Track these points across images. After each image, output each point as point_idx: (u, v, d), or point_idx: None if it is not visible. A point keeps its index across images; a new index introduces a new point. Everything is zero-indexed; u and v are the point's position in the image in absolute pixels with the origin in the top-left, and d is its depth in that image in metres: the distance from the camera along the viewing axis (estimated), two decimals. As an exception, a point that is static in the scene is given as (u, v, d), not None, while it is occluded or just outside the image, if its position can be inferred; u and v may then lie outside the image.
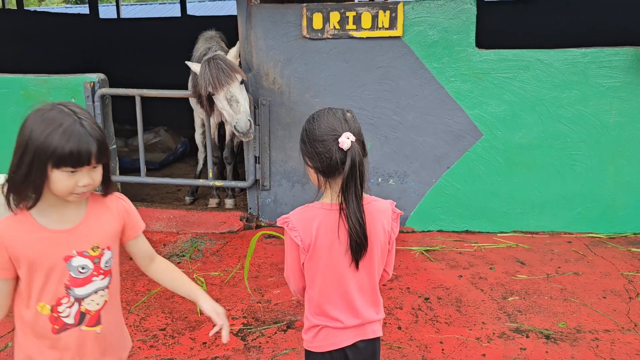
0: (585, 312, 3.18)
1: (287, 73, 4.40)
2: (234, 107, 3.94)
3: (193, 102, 5.12)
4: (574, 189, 4.24)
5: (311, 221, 1.65)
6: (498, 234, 4.38)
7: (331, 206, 1.65)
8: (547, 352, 2.80)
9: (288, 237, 1.70)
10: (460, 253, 4.07)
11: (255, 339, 3.03)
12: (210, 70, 3.91)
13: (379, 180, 4.48)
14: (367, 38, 4.19)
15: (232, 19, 4.88)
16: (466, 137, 4.28)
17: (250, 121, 3.99)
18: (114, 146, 4.88)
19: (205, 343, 3.00)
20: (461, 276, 3.69)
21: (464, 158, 4.32)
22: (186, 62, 4.28)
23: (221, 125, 4.96)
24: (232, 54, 4.10)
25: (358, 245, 1.60)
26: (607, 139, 4.12)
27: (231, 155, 4.94)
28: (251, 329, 3.13)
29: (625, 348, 2.81)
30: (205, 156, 5.60)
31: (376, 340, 1.76)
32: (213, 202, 5.02)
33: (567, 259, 3.89)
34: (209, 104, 4.21)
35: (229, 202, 4.95)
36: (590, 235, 4.27)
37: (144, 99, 4.69)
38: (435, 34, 4.11)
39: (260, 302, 3.44)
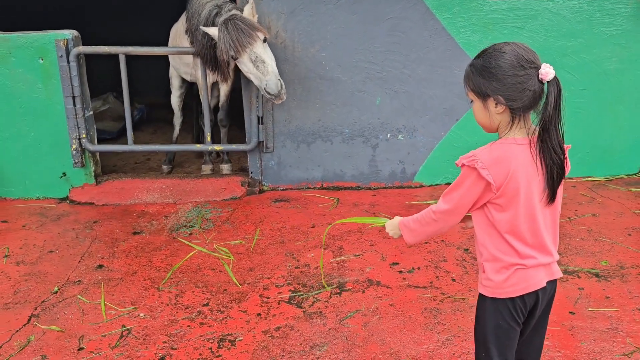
0: (619, 250, 3.32)
1: (290, 26, 4.13)
2: (261, 68, 3.64)
3: (177, 61, 4.72)
4: (576, 135, 4.37)
5: (506, 159, 1.57)
6: (504, 184, 4.45)
7: (525, 140, 1.56)
8: (603, 289, 2.91)
9: (472, 174, 1.60)
10: (477, 204, 4.10)
11: (311, 305, 2.88)
12: (230, 33, 3.56)
13: (388, 136, 4.38)
14: (378, -13, 4.01)
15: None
16: (475, 88, 4.26)
17: (280, 81, 3.70)
18: (91, 112, 4.40)
19: (259, 314, 2.82)
20: (488, 226, 3.73)
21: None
22: (201, 27, 3.81)
23: (214, 86, 4.61)
24: (247, 12, 3.75)
25: (558, 178, 1.59)
26: (607, 85, 4.27)
27: (226, 118, 4.63)
28: (302, 295, 2.98)
29: (671, 279, 2.97)
30: (182, 121, 5.25)
31: (556, 281, 1.71)
32: (207, 168, 4.71)
33: (580, 202, 4.04)
34: (228, 68, 3.89)
35: (225, 168, 4.67)
36: (590, 179, 4.46)
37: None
38: (447, -18, 4.01)
39: (299, 267, 3.28)
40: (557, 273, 1.71)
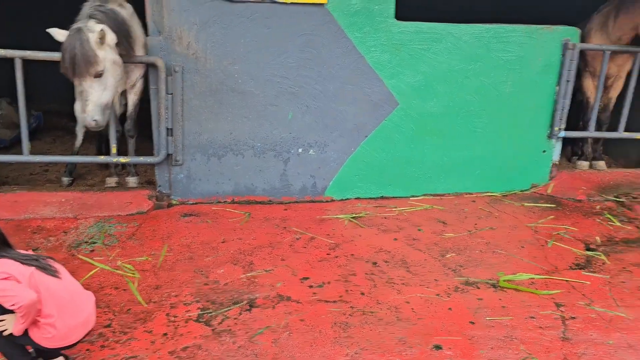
0: (514, 261, 3.56)
1: (203, 37, 4.05)
2: (82, 103, 3.56)
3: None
4: (475, 153, 4.66)
5: None
6: (411, 198, 4.64)
7: None
8: (500, 299, 3.09)
9: None
10: (385, 218, 4.23)
11: (221, 323, 2.81)
12: (67, 53, 3.42)
13: (300, 150, 4.41)
14: (291, 4, 4.04)
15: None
16: (384, 106, 4.41)
17: (96, 121, 3.56)
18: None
19: (166, 334, 2.71)
20: (396, 239, 3.85)
21: (381, 127, 4.46)
22: (49, 29, 3.57)
23: (122, 95, 4.40)
24: (93, 39, 3.47)
25: None
26: (503, 107, 4.58)
27: (134, 128, 4.42)
28: (211, 313, 2.90)
29: (558, 286, 3.22)
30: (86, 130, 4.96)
31: None
32: (112, 181, 4.46)
33: (479, 216, 4.29)
34: None
35: (132, 181, 4.45)
36: (488, 194, 4.76)
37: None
38: (357, 3, 4.13)
39: (208, 284, 3.19)
40: None
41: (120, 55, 3.71)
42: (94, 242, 3.66)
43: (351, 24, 4.18)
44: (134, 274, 3.26)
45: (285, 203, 4.47)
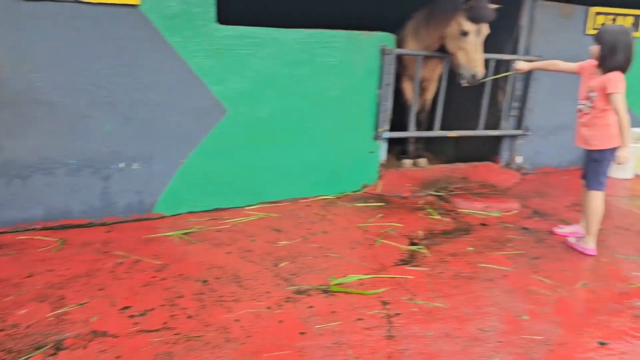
0: (344, 264, 3.61)
1: (-9, 41, 3.50)
2: None
3: None
4: (307, 157, 4.69)
5: None
6: (246, 208, 4.53)
7: None
8: (330, 304, 3.09)
9: None
10: (218, 231, 4.06)
11: (18, 375, 2.41)
12: None
13: (121, 165, 4.04)
14: (99, 4, 3.67)
15: None
16: (212, 114, 4.23)
17: None
18: None
19: (-58, 400, 2.25)
20: (229, 252, 3.70)
21: (211, 135, 4.27)
22: None
23: None
24: None
25: None
26: (330, 111, 4.67)
27: None
28: (7, 364, 2.48)
29: (384, 284, 3.32)
30: None
31: None
32: None
33: (313, 221, 4.32)
34: None
35: None
36: (322, 197, 4.83)
37: None
38: (175, 5, 3.88)
39: (5, 329, 2.74)
40: None
41: None
42: None
43: (169, 27, 3.93)
44: None
45: (109, 224, 4.07)
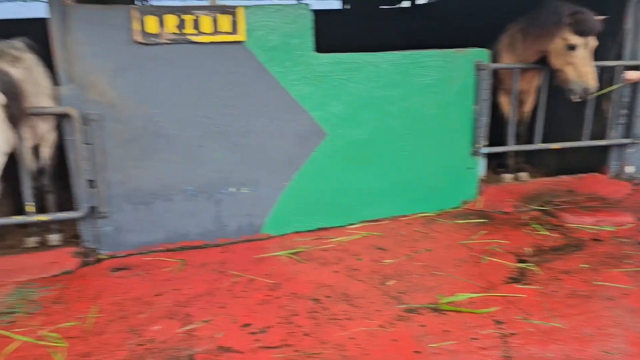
0: (451, 282, 3.60)
1: (119, 83, 3.91)
2: None
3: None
4: (405, 176, 4.74)
5: None
6: (348, 227, 4.64)
7: None
8: (442, 323, 3.11)
9: None
10: (324, 250, 4.20)
11: (159, 386, 2.65)
12: None
13: (232, 190, 4.32)
14: (209, 43, 3.99)
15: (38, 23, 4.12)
16: (312, 138, 4.42)
17: None
18: None
19: (99, 407, 2.52)
20: (336, 272, 3.82)
21: (312, 158, 4.45)
22: None
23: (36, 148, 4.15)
24: (28, 64, 3.34)
25: None
26: (426, 129, 4.71)
27: (52, 183, 4.17)
28: (148, 376, 2.73)
29: (496, 303, 3.28)
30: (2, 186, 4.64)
31: None
32: (32, 241, 4.16)
33: (415, 239, 4.34)
34: None
35: (54, 238, 4.18)
36: (422, 214, 4.84)
37: None
38: (276, 38, 4.13)
39: (143, 344, 3.02)
40: None
41: (11, 115, 3.44)
42: (14, 312, 3.38)
43: (271, 59, 4.17)
44: (60, 343, 3.03)
45: (222, 245, 4.35)
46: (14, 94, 3.46)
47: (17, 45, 3.97)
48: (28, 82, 3.74)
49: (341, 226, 4.64)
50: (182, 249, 4.27)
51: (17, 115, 3.48)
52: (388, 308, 3.29)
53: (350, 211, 4.66)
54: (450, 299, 3.35)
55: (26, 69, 3.81)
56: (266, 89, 4.22)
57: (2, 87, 3.37)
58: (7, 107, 3.38)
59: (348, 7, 12.29)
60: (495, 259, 3.90)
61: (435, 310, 3.25)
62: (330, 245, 4.27)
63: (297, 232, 4.55)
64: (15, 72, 3.65)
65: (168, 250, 4.25)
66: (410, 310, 3.25)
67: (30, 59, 3.92)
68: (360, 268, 3.86)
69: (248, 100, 4.21)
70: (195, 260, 4.07)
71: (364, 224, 4.68)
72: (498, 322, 3.09)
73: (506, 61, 5.11)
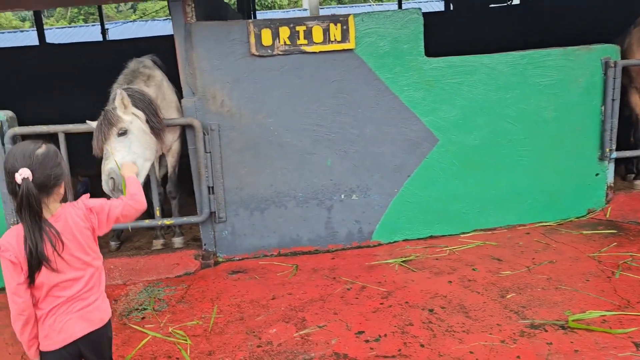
0: (580, 297, 3.33)
1: (236, 94, 4.10)
2: (103, 164, 3.55)
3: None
4: (522, 182, 4.48)
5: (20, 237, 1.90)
6: (461, 235, 4.47)
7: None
8: (571, 342, 2.87)
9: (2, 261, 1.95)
10: (437, 259, 4.08)
11: (277, 388, 2.71)
12: (96, 129, 3.59)
13: (342, 196, 4.34)
14: (320, 52, 4.06)
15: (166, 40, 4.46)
16: (423, 144, 4.32)
17: (114, 180, 3.42)
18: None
19: (222, 404, 2.62)
20: (451, 282, 3.69)
21: (423, 165, 4.36)
22: (87, 121, 3.82)
23: (162, 157, 4.48)
24: (118, 102, 3.59)
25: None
26: (547, 132, 4.42)
27: (175, 189, 4.48)
28: (267, 377, 2.80)
29: (634, 323, 2.98)
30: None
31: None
32: (158, 243, 4.49)
33: (536, 250, 4.08)
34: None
35: (177, 241, 4.47)
36: (542, 224, 4.54)
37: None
38: (386, 44, 4.11)
39: (261, 346, 3.10)
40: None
41: (151, 128, 3.75)
42: (145, 309, 3.65)
43: (381, 65, 4.15)
44: (186, 340, 3.21)
45: (332, 251, 4.38)
46: (152, 110, 3.76)
47: (147, 64, 4.31)
48: (159, 98, 4.05)
49: (453, 234, 4.49)
50: (294, 254, 4.37)
51: (156, 129, 3.78)
52: (509, 322, 3.11)
53: (463, 219, 4.49)
54: (580, 316, 3.09)
55: (156, 86, 4.12)
56: (376, 95, 4.21)
57: (142, 105, 3.69)
58: (148, 122, 3.69)
59: (451, 8, 11.95)
60: (630, 274, 3.54)
61: (563, 327, 3.01)
62: (443, 254, 4.14)
63: (407, 240, 4.47)
64: (148, 90, 3.97)
65: (280, 254, 4.36)
66: (534, 326, 3.05)
67: (159, 76, 4.24)
68: (476, 279, 3.69)
69: (357, 107, 4.22)
70: (307, 265, 4.14)
71: (477, 233, 4.48)
72: (638, 345, 2.79)
73: (638, 57, 4.66)
